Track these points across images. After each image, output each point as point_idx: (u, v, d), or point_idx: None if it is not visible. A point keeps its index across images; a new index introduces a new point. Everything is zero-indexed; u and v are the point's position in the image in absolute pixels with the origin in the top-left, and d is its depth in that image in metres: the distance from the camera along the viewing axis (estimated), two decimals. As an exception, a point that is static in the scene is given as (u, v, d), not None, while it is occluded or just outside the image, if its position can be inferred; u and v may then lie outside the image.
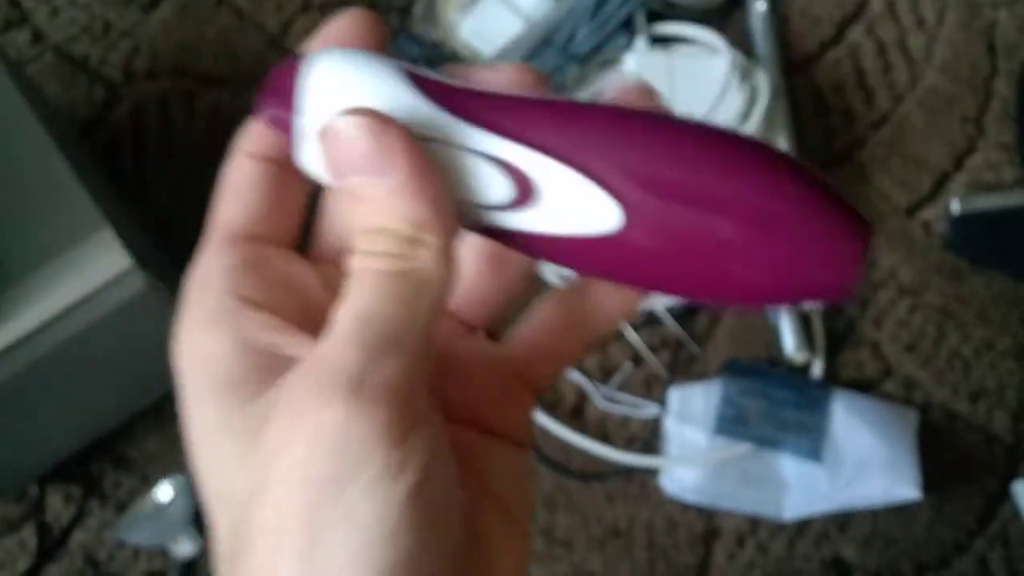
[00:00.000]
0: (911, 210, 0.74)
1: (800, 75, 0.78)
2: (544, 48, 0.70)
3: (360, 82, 0.21)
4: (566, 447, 0.68)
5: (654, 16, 0.72)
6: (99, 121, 0.75)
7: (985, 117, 0.76)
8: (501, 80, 0.23)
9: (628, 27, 0.69)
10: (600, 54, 0.70)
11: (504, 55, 0.71)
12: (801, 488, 0.65)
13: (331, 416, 0.19)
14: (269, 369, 0.21)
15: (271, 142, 0.24)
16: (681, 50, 0.69)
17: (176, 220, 0.72)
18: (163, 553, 0.66)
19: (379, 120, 0.20)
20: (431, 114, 0.21)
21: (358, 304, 0.20)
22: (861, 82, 0.77)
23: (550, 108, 0.22)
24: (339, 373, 0.19)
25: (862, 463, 0.64)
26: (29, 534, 0.67)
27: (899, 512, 0.67)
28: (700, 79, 0.66)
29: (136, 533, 0.66)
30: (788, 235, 0.21)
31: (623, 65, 0.68)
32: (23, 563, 0.66)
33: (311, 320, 0.22)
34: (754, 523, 0.67)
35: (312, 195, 0.25)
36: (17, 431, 0.61)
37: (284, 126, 0.22)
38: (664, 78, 0.66)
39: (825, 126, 0.76)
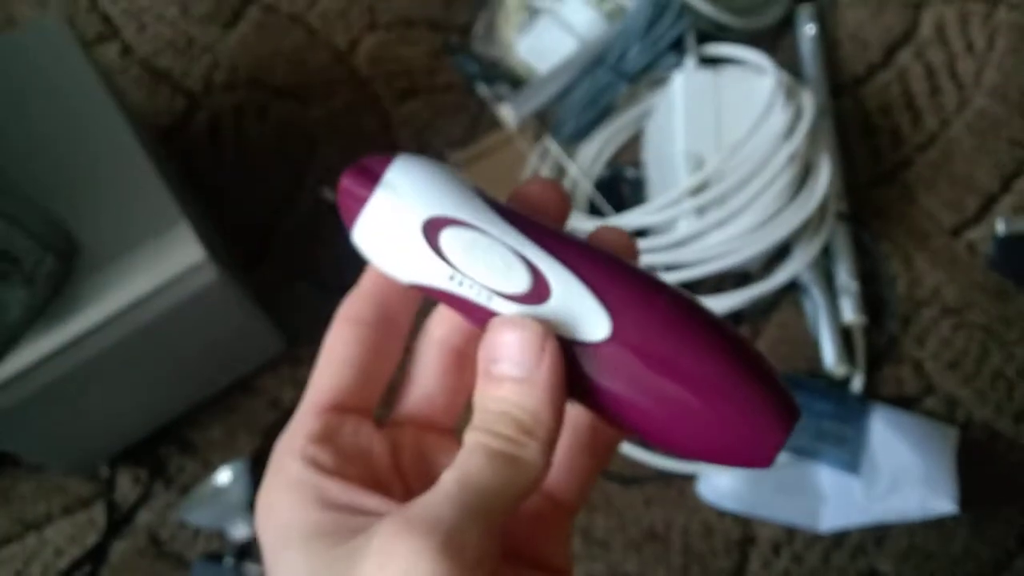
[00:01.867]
0: (956, 230, 0.75)
1: (848, 96, 0.79)
2: (596, 67, 0.72)
3: (443, 185, 0.26)
4: (607, 450, 0.70)
5: (704, 37, 0.74)
6: (179, 129, 0.80)
7: (1033, 140, 0.77)
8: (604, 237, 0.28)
9: (678, 47, 0.72)
10: (650, 73, 0.73)
11: (558, 73, 0.74)
12: (837, 500, 0.66)
13: (421, 562, 0.22)
14: (348, 521, 0.24)
15: (371, 308, 0.28)
16: (729, 70, 0.71)
17: (244, 222, 0.77)
18: (220, 535, 0.70)
19: (543, 328, 0.24)
20: (483, 212, 0.26)
21: (466, 472, 0.23)
22: (909, 104, 0.79)
23: (572, 238, 0.26)
24: (435, 525, 0.22)
25: (899, 476, 0.65)
26: (99, 512, 0.71)
27: (937, 528, 0.67)
28: (746, 98, 0.68)
29: (196, 515, 0.69)
30: (728, 420, 0.24)
31: (671, 83, 0.71)
32: (92, 538, 0.70)
33: (376, 486, 0.26)
34: (790, 533, 0.68)
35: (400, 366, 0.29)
36: (92, 413, 0.65)
37: (358, 202, 0.26)
38: (710, 96, 0.69)
39: (872, 147, 0.78)
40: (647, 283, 0.25)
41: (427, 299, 0.28)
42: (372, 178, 0.26)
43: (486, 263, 0.25)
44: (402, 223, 0.25)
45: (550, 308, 0.25)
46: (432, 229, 0.25)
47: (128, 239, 0.57)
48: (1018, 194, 0.76)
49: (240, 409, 0.73)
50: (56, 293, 0.56)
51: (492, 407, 0.25)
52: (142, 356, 0.61)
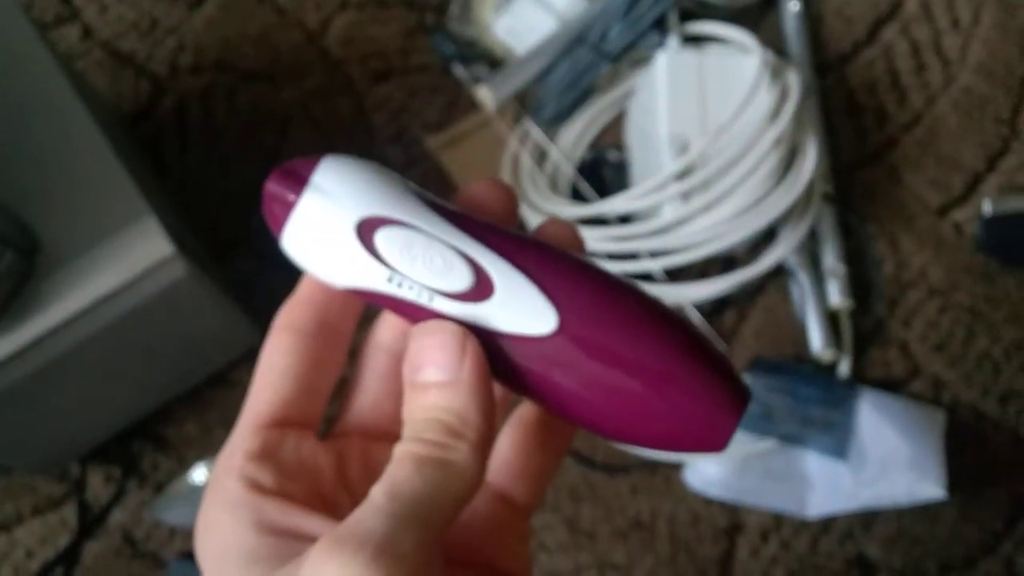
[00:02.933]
0: (943, 210, 0.74)
1: (833, 75, 0.78)
2: (577, 46, 0.71)
3: (376, 184, 0.25)
4: (592, 439, 0.69)
5: (687, 15, 0.73)
6: (145, 114, 0.78)
7: (1019, 118, 0.76)
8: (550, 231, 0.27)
9: (660, 26, 0.70)
10: (632, 52, 0.71)
11: (537, 53, 0.72)
12: (825, 486, 0.65)
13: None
14: (286, 546, 0.24)
15: (310, 316, 0.27)
16: (713, 49, 0.69)
17: (216, 210, 0.75)
18: (198, 533, 0.68)
19: (462, 329, 0.24)
20: (420, 210, 0.25)
21: (394, 482, 0.23)
22: (894, 82, 0.77)
23: (514, 233, 0.25)
24: (365, 538, 0.21)
25: (886, 461, 0.64)
26: (70, 512, 0.69)
27: (925, 512, 0.67)
28: (731, 77, 0.66)
29: (172, 513, 0.68)
30: (677, 407, 0.24)
31: (654, 63, 0.69)
32: (64, 539, 0.69)
33: (321, 502, 0.25)
34: (778, 519, 0.68)
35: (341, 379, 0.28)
36: (60, 411, 0.63)
37: (285, 207, 0.25)
38: (695, 76, 0.67)
39: (857, 126, 0.77)
40: (592, 275, 0.25)
41: (371, 304, 0.27)
42: (299, 181, 0.25)
43: (425, 262, 0.24)
44: (333, 226, 0.25)
45: (494, 304, 0.24)
46: (366, 230, 0.24)
47: (92, 234, 0.55)
48: (1004, 173, 0.75)
49: (215, 403, 0.71)
50: (17, 291, 0.54)
51: (419, 415, 0.24)
52: (110, 354, 0.59)
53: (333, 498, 0.27)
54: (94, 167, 0.57)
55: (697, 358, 0.24)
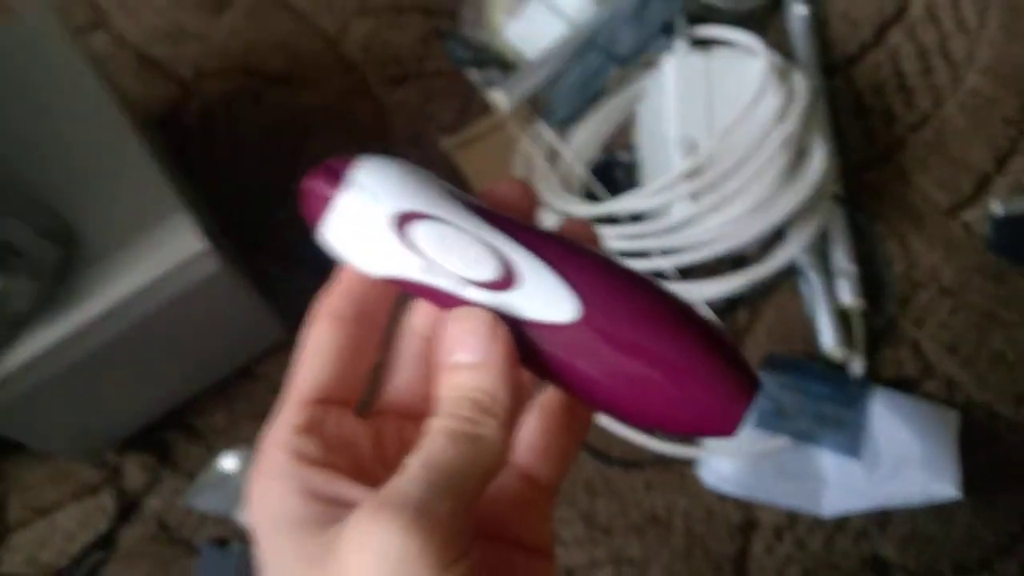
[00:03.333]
0: (952, 211, 0.75)
1: (840, 77, 0.79)
2: (587, 50, 0.72)
3: (411, 182, 0.27)
4: (608, 435, 0.70)
5: (694, 19, 0.74)
6: (172, 116, 0.80)
7: (1027, 119, 0.77)
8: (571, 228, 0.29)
9: (668, 30, 0.71)
10: (641, 56, 0.72)
11: (548, 57, 0.73)
12: (839, 484, 0.66)
13: (393, 539, 0.23)
14: (331, 512, 0.25)
15: (348, 303, 0.28)
16: (720, 52, 0.71)
17: (239, 210, 0.77)
18: (228, 520, 0.70)
19: (492, 315, 0.26)
20: (452, 205, 0.27)
21: (429, 454, 0.25)
22: (901, 84, 0.79)
23: (538, 228, 0.27)
24: (404, 504, 0.23)
25: (900, 460, 0.65)
26: (107, 498, 0.72)
27: (939, 512, 0.67)
28: (738, 80, 0.67)
29: (203, 500, 0.70)
30: (691, 392, 0.26)
31: (663, 66, 0.71)
32: (102, 524, 0.71)
33: (361, 474, 0.27)
34: (792, 517, 0.68)
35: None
36: (98, 399, 0.66)
37: (325, 201, 0.27)
38: (702, 79, 0.69)
39: (865, 127, 0.78)
40: (612, 267, 0.27)
41: (405, 292, 0.29)
42: (338, 178, 0.27)
43: (456, 252, 0.26)
44: (372, 218, 0.26)
45: (520, 293, 0.26)
46: (402, 223, 0.26)
47: (128, 229, 0.58)
48: (1013, 173, 0.76)
49: (242, 395, 0.73)
50: (58, 284, 0.57)
51: (451, 393, 0.26)
52: (145, 345, 0.62)
53: (371, 470, 0.28)
54: (129, 166, 0.60)
55: (710, 347, 0.26)
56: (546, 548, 0.30)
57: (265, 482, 0.27)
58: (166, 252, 0.57)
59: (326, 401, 0.28)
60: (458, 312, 0.26)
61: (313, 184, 0.27)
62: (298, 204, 0.27)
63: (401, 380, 0.31)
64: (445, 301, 0.27)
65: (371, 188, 0.26)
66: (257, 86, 0.80)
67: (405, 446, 0.27)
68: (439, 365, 0.27)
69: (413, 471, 0.24)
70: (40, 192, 0.57)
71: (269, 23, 0.82)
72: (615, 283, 0.26)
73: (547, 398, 0.31)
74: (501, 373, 0.26)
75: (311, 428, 0.27)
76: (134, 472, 0.72)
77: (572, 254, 0.26)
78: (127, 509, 0.71)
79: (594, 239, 0.29)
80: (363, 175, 0.27)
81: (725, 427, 0.26)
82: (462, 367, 0.26)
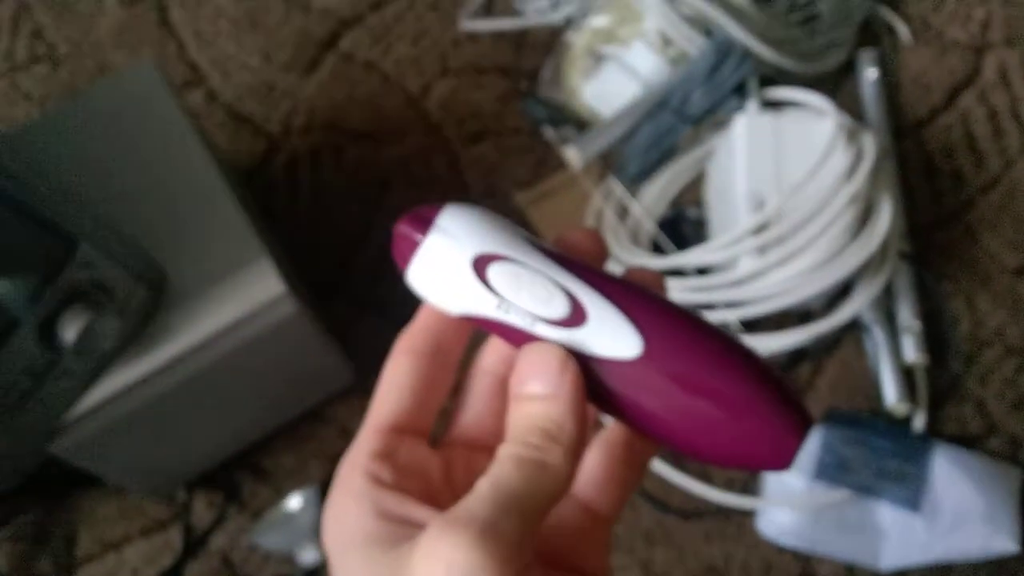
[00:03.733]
0: (1019, 271, 0.75)
1: (910, 139, 0.80)
2: (660, 110, 0.75)
3: (490, 226, 0.29)
4: (667, 485, 0.71)
5: (766, 81, 0.76)
6: (259, 169, 0.84)
7: (1097, 182, 0.77)
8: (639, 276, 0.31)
9: (741, 91, 0.73)
10: (713, 116, 0.74)
11: (622, 116, 0.76)
12: (898, 537, 0.66)
13: (460, 553, 0.24)
14: (402, 531, 0.27)
15: (426, 341, 0.31)
16: (790, 113, 0.72)
17: (318, 258, 0.80)
18: (290, 559, 0.72)
19: (564, 351, 0.28)
20: (526, 249, 0.29)
21: (497, 477, 0.26)
22: (972, 146, 0.79)
23: (606, 272, 0.29)
24: (472, 520, 0.25)
25: (961, 514, 0.65)
26: (175, 534, 0.74)
27: (1000, 568, 0.67)
28: (807, 140, 0.69)
29: (268, 539, 0.72)
30: (748, 427, 0.27)
31: (733, 125, 0.72)
32: (168, 559, 0.74)
33: (431, 499, 0.29)
34: (850, 571, 0.68)
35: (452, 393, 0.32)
36: (172, 440, 0.69)
37: (413, 245, 0.29)
38: (772, 137, 0.70)
39: (935, 188, 0.78)
40: (673, 309, 0.28)
41: (477, 333, 0.31)
42: (425, 223, 0.29)
43: (529, 292, 0.28)
44: (453, 260, 0.29)
45: (587, 331, 0.28)
46: (480, 264, 0.28)
47: (212, 272, 0.61)
48: (1083, 236, 0.75)
49: (312, 437, 0.75)
50: (146, 324, 0.60)
51: (521, 423, 0.27)
52: (222, 384, 0.65)
53: (440, 497, 0.30)
54: (216, 213, 0.63)
55: (764, 383, 0.27)
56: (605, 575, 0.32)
57: (341, 502, 0.29)
58: (246, 295, 0.60)
59: (401, 430, 0.30)
60: (532, 347, 0.28)
61: (403, 228, 0.29)
62: (389, 248, 0.30)
63: (472, 414, 0.33)
64: (518, 338, 0.29)
65: (454, 232, 0.29)
66: (341, 141, 0.85)
67: (473, 475, 0.28)
68: (511, 396, 0.29)
69: (481, 492, 0.26)
70: (134, 235, 0.60)
71: (355, 82, 0.87)
72: (675, 323, 0.28)
73: (609, 433, 0.32)
74: (569, 404, 0.27)
75: (386, 454, 0.29)
76: (202, 510, 0.75)
77: (636, 295, 0.28)
78: (193, 545, 0.73)
79: (659, 285, 0.31)
80: (447, 220, 0.29)
81: (779, 461, 0.27)
82: (533, 398, 0.28)
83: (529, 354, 0.28)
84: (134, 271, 0.57)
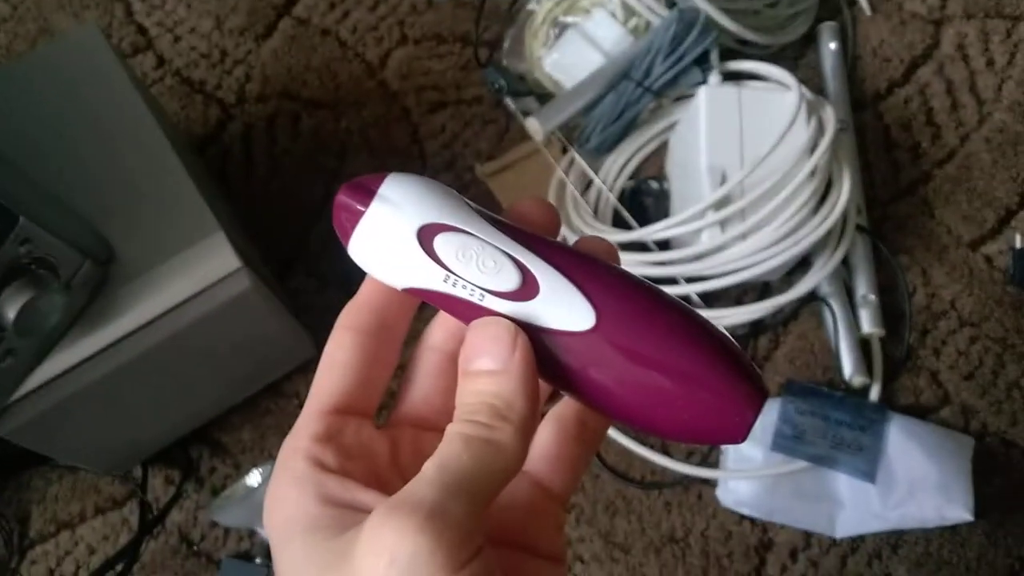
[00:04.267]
0: (974, 244, 0.76)
1: (869, 112, 0.81)
2: (622, 81, 0.74)
3: (436, 196, 0.28)
4: (628, 455, 0.71)
5: (728, 54, 0.76)
6: (213, 138, 0.82)
7: (1052, 156, 0.78)
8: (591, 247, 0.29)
9: (702, 63, 0.73)
10: (675, 88, 0.74)
11: (584, 87, 0.75)
12: (854, 506, 0.67)
13: (406, 540, 0.23)
14: (346, 517, 0.26)
15: (369, 317, 0.30)
16: (752, 86, 0.72)
17: (276, 230, 0.79)
18: (250, 535, 0.72)
19: (514, 326, 0.26)
20: (474, 220, 0.28)
21: (445, 458, 0.25)
22: (929, 119, 0.80)
23: (557, 243, 0.28)
24: (418, 505, 0.24)
25: (915, 484, 0.66)
26: (131, 511, 0.73)
27: (953, 535, 0.69)
28: (769, 113, 0.69)
29: (227, 515, 0.71)
30: (701, 400, 0.26)
31: (696, 98, 0.72)
32: (124, 537, 0.72)
33: (377, 482, 0.28)
34: (807, 538, 0.70)
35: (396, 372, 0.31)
36: (126, 417, 0.67)
37: (355, 215, 0.28)
38: (734, 111, 0.70)
39: (892, 161, 0.79)
40: (626, 279, 0.28)
41: (423, 307, 0.30)
42: (367, 193, 0.28)
43: (478, 264, 0.27)
44: (397, 231, 0.27)
45: (539, 303, 0.27)
46: (426, 235, 0.27)
47: (164, 247, 0.59)
48: (1036, 209, 0.77)
49: (270, 412, 0.74)
50: (93, 299, 0.58)
51: (469, 400, 0.26)
52: (176, 361, 0.63)
53: (387, 479, 0.29)
54: (168, 185, 0.61)
55: (719, 355, 0.26)
56: (558, 555, 0.31)
57: (283, 488, 0.28)
58: (200, 270, 0.58)
59: (345, 411, 0.29)
60: (481, 321, 0.27)
61: (344, 199, 0.28)
62: (332, 220, 0.28)
63: (419, 393, 0.31)
64: (466, 311, 0.28)
65: (398, 201, 0.27)
66: (297, 109, 0.83)
67: (421, 457, 0.27)
68: (460, 373, 0.27)
69: (428, 474, 0.25)
70: (78, 208, 0.58)
71: (311, 49, 0.85)
72: (628, 294, 0.27)
73: (560, 409, 0.32)
74: (520, 380, 0.26)
75: (329, 437, 0.28)
76: (158, 487, 0.74)
77: (588, 266, 0.28)
78: (151, 523, 0.72)
79: (612, 255, 0.30)
80: (390, 190, 0.28)
81: (733, 433, 0.27)
82: (482, 374, 0.26)
83: (478, 329, 0.27)
84: (79, 246, 0.55)
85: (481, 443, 0.25)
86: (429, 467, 0.25)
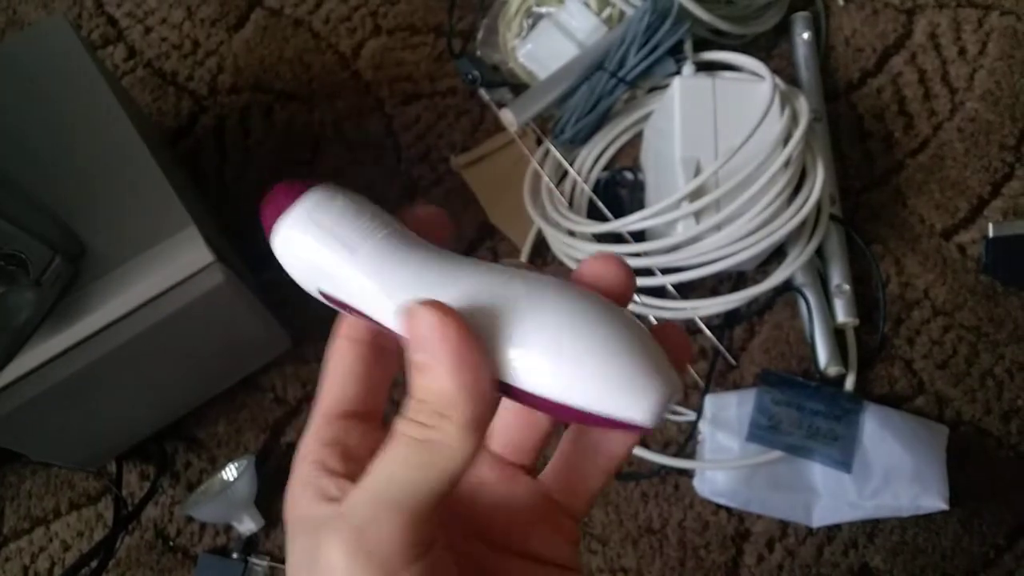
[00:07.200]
0: (947, 233, 0.77)
1: (842, 102, 0.81)
2: (596, 72, 0.74)
3: (348, 214, 0.29)
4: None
5: (702, 44, 0.76)
6: (185, 130, 0.82)
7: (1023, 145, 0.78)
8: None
9: (676, 54, 0.73)
10: (649, 79, 0.74)
11: (558, 78, 0.75)
12: (830, 496, 0.68)
13: (335, 555, 0.24)
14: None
15: (364, 327, 0.30)
16: (726, 76, 0.72)
17: (251, 223, 0.78)
18: (227, 529, 0.71)
19: (443, 312, 0.24)
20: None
21: (382, 460, 0.25)
22: (902, 109, 0.80)
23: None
24: (347, 519, 0.25)
25: (890, 473, 0.66)
26: (106, 507, 0.73)
27: (928, 524, 0.69)
28: (743, 103, 0.69)
29: (203, 510, 0.70)
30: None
31: (670, 88, 0.72)
32: (99, 533, 0.72)
33: None
34: (784, 527, 0.70)
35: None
36: (100, 412, 0.66)
37: (271, 219, 0.29)
38: (708, 102, 0.70)
39: (865, 151, 0.79)
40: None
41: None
42: (288, 200, 0.29)
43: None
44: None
45: None
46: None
47: (136, 241, 0.58)
48: (1008, 198, 0.77)
49: (246, 406, 0.74)
50: (64, 295, 0.57)
51: (414, 395, 0.25)
52: (149, 356, 0.62)
53: None
54: (139, 179, 0.60)
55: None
56: (573, 565, 0.31)
57: (293, 490, 0.29)
58: (174, 264, 0.58)
59: (350, 416, 0.30)
60: (411, 309, 0.25)
61: (265, 204, 0.29)
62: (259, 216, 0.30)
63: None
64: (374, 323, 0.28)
65: (309, 219, 0.28)
66: (270, 101, 0.82)
67: None
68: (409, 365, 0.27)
69: (365, 481, 0.25)
70: (49, 203, 0.57)
71: (283, 40, 0.84)
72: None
73: (574, 428, 0.32)
74: (453, 373, 0.24)
75: (334, 441, 0.29)
76: (133, 482, 0.73)
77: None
78: (126, 518, 0.72)
79: (626, 282, 0.29)
80: (305, 205, 0.29)
81: (644, 421, 0.26)
82: (420, 367, 0.25)
83: (411, 318, 0.25)
84: (49, 241, 0.55)
85: (417, 445, 0.25)
86: (371, 474, 0.25)
